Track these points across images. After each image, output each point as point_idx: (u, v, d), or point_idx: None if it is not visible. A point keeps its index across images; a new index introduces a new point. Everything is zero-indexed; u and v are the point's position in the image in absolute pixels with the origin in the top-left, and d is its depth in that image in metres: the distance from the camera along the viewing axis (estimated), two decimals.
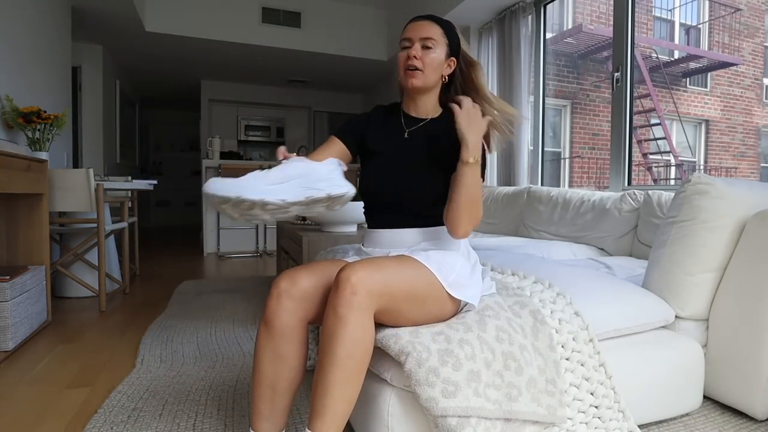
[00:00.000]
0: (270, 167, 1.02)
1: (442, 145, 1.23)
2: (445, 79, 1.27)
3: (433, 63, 1.21)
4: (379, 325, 1.09)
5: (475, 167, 1.11)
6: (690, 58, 7.77)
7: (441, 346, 1.01)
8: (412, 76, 1.21)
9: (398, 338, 1.03)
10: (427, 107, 1.29)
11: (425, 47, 1.21)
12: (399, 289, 1.02)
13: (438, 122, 1.28)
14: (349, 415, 0.98)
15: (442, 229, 1.21)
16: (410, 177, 1.22)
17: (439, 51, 1.22)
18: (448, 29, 1.25)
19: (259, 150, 7.08)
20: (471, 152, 1.10)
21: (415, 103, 1.29)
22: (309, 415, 0.97)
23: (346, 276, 0.96)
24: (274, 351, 1.07)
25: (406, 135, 1.27)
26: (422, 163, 1.23)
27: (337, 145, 1.27)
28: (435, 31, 1.22)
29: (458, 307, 1.16)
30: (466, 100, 1.13)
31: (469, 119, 1.11)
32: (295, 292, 1.08)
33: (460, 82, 1.29)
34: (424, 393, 0.96)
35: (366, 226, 1.34)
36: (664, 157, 7.50)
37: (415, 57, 1.20)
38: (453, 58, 1.25)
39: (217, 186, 0.91)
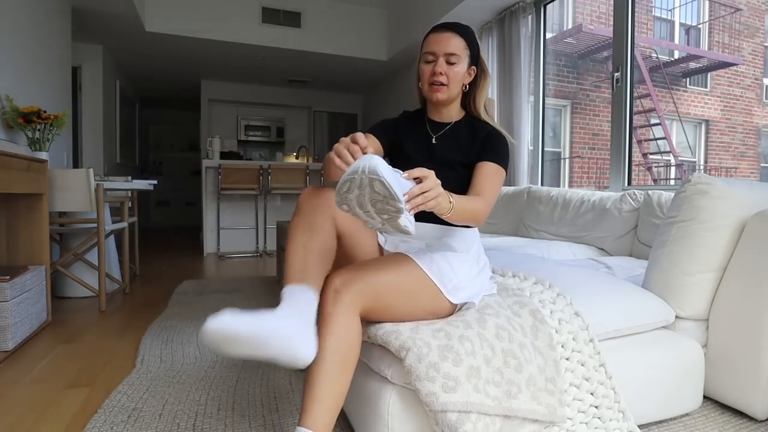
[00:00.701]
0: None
1: (467, 146, 1.29)
2: (465, 87, 1.32)
3: (457, 77, 1.27)
4: (379, 323, 1.10)
5: (455, 209, 1.05)
6: (690, 58, 7.77)
7: (441, 342, 1.02)
8: (438, 91, 1.27)
9: (399, 334, 1.04)
10: (451, 114, 1.35)
11: (449, 62, 1.25)
12: (384, 285, 1.06)
13: (461, 125, 1.34)
14: (337, 412, 0.99)
15: (460, 230, 1.25)
16: (439, 178, 1.22)
17: (462, 65, 1.27)
18: (470, 39, 1.28)
19: (259, 150, 7.08)
20: (445, 211, 1.04)
21: (440, 111, 1.35)
22: (300, 414, 0.98)
23: (331, 278, 1.04)
24: (306, 224, 1.11)
25: (434, 141, 1.33)
26: (449, 165, 1.28)
27: (374, 142, 1.32)
28: (459, 45, 1.26)
29: (456, 305, 1.18)
30: (419, 188, 0.96)
31: (432, 193, 0.97)
32: (322, 192, 1.14)
33: (473, 89, 1.34)
34: (425, 388, 0.96)
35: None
36: (664, 157, 7.50)
37: (440, 74, 1.25)
38: (473, 67, 1.31)
39: (389, 177, 0.84)
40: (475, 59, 1.31)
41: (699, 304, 1.44)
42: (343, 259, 1.19)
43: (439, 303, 1.13)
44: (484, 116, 1.33)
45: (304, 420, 0.96)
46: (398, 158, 1.35)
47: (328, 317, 1.00)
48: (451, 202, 1.05)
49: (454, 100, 1.33)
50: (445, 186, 1.20)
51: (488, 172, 1.23)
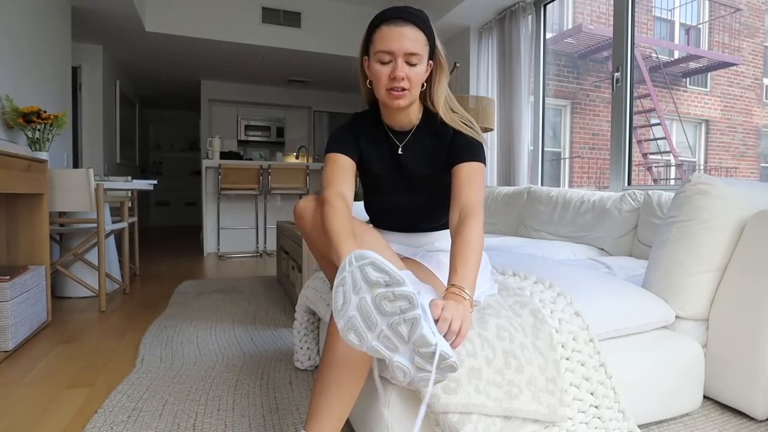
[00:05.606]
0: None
1: (433, 156, 1.19)
2: (424, 86, 1.18)
3: (418, 78, 1.12)
4: None
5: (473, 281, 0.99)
6: (690, 58, 7.77)
7: None
8: (399, 98, 1.11)
9: None
10: (411, 117, 1.21)
11: (410, 63, 1.09)
12: None
13: (423, 129, 1.21)
14: (344, 420, 0.99)
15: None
16: (415, 194, 1.20)
17: (423, 64, 1.12)
18: (429, 30, 1.13)
19: (259, 150, 7.08)
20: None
21: (398, 116, 1.20)
22: (306, 417, 0.98)
23: None
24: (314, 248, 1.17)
25: (399, 151, 1.21)
26: (422, 176, 1.19)
27: (349, 165, 1.19)
28: (419, 41, 1.09)
29: None
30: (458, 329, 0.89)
31: (460, 324, 0.90)
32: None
33: (429, 86, 1.19)
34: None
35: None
36: (664, 157, 7.50)
37: (402, 78, 1.08)
38: (431, 62, 1.16)
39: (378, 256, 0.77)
40: (432, 53, 1.14)
41: (699, 304, 1.44)
42: None
43: None
44: (442, 113, 1.17)
45: (310, 426, 0.96)
46: (365, 175, 1.25)
47: None
48: (469, 299, 0.96)
49: (415, 102, 1.18)
50: (420, 199, 1.18)
51: (468, 174, 1.12)
